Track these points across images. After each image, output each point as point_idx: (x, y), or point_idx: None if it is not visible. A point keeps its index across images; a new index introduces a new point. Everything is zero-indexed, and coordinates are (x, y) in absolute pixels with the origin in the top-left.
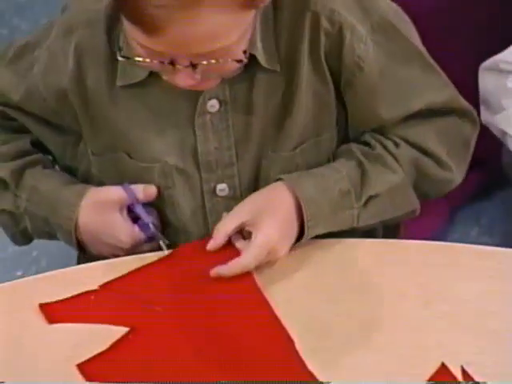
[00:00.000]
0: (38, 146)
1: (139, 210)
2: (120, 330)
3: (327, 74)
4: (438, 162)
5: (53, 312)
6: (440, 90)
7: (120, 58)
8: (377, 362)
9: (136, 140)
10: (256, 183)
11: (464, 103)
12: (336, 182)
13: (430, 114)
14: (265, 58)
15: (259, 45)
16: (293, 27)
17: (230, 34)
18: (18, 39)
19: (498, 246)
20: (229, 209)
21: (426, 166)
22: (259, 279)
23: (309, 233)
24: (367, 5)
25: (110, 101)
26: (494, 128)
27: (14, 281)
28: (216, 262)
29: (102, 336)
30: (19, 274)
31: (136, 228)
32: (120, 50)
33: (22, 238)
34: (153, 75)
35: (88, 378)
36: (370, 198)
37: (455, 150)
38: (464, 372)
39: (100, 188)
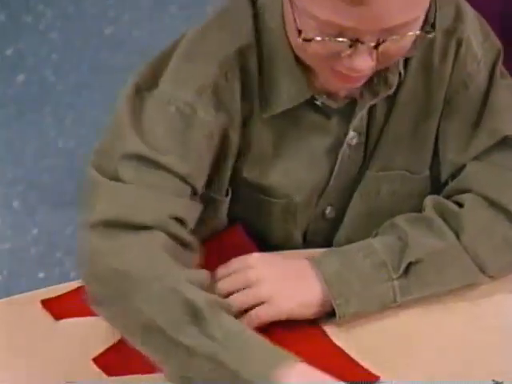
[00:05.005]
0: None
1: None
2: None
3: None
4: None
5: (57, 308)
6: None
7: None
8: (424, 378)
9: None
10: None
11: None
12: (365, 257)
13: None
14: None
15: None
16: (443, 53)
17: (422, 3)
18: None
19: None
20: (329, 229)
21: (502, 224)
22: None
23: (340, 312)
24: (487, 30)
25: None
26: None
27: None
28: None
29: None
30: (41, 276)
31: None
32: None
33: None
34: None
35: (106, 372)
36: (410, 264)
37: None
38: None
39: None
